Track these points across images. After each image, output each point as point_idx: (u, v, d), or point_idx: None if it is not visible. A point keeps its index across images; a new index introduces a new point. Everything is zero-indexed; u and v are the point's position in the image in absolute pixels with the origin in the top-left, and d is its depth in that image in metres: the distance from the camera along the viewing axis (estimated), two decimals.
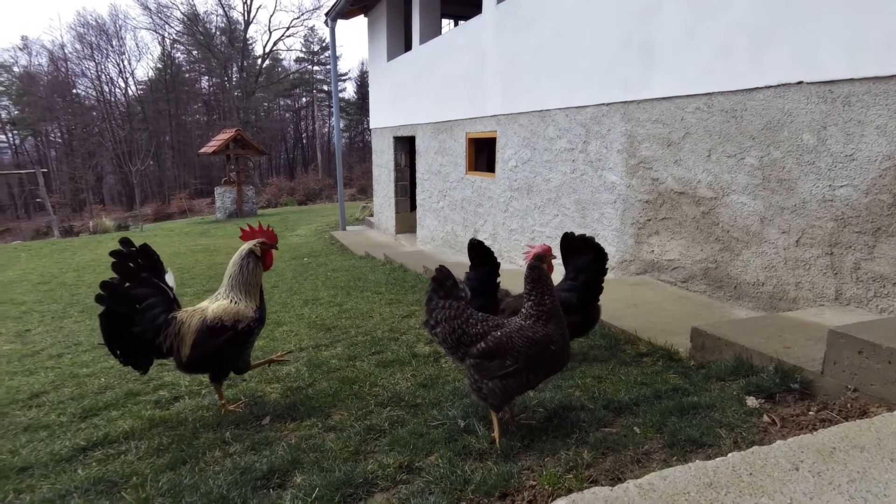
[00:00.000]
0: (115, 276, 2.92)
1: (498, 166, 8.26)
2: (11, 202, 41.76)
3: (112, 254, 2.92)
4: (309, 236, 14.52)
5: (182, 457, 2.64)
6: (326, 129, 54.28)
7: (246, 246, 3.16)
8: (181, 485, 2.37)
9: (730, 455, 1.53)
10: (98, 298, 2.86)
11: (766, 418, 2.47)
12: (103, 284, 2.87)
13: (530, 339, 2.33)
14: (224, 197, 20.61)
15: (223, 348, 2.98)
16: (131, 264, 2.94)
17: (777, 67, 4.21)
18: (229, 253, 11.71)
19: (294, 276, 8.41)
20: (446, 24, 13.67)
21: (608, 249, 6.02)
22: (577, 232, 3.60)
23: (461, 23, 10.09)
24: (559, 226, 6.84)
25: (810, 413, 2.50)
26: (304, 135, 56.46)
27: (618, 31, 5.74)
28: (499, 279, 4.18)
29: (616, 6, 5.75)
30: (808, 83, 4.00)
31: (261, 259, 3.16)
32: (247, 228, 3.25)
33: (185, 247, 13.61)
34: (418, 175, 11.36)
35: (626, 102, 5.70)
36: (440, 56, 9.97)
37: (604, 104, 6.01)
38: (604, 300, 4.64)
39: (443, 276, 2.61)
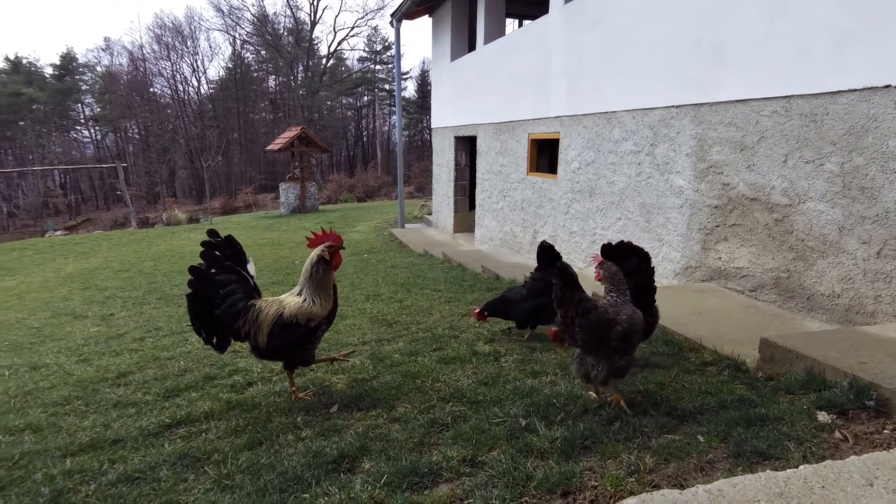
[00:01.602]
0: (202, 262, 3.15)
1: (560, 168, 8.22)
2: (93, 194, 44.60)
3: (202, 243, 3.15)
4: (368, 233, 14.85)
5: (258, 438, 2.82)
6: (386, 128, 55.21)
7: (315, 252, 3.32)
8: (259, 464, 2.53)
9: (801, 467, 1.53)
10: (188, 282, 3.09)
11: (837, 434, 2.40)
12: (192, 269, 3.11)
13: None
14: (288, 193, 21.32)
15: (296, 342, 3.18)
16: (217, 252, 3.16)
17: (862, 69, 4.03)
18: (292, 247, 12.20)
19: (355, 272, 8.65)
20: (511, 24, 13.64)
21: (672, 255, 5.94)
22: (641, 237, 3.57)
23: (526, 23, 10.07)
24: (622, 229, 6.75)
25: (885, 431, 2.41)
26: (364, 133, 57.62)
27: (689, 30, 5.62)
28: None
29: (687, 4, 5.63)
30: None
31: (329, 262, 3.32)
32: (311, 236, 3.39)
33: (251, 240, 14.20)
34: (478, 175, 11.43)
35: (696, 105, 5.57)
36: (504, 56, 10.00)
37: (673, 106, 5.90)
38: (667, 307, 4.58)
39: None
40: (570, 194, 7.96)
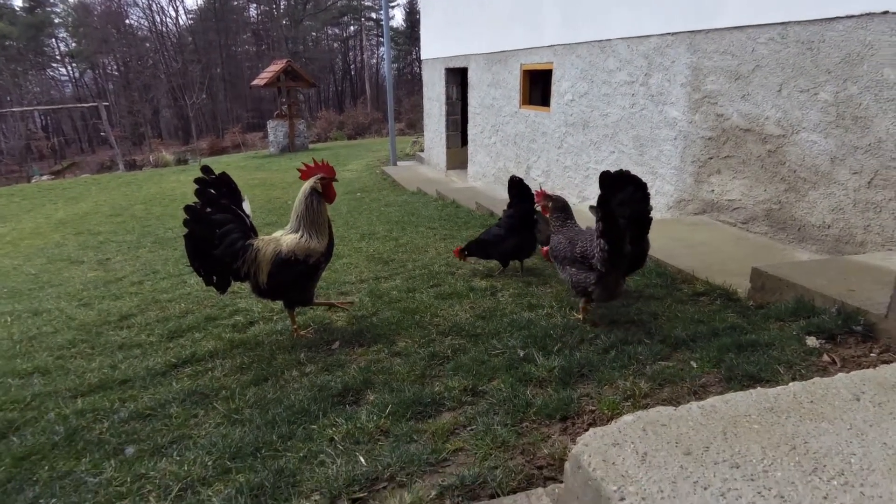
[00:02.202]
0: (196, 201, 3.07)
1: (553, 100, 8.07)
2: (76, 136, 43.52)
3: (195, 180, 3.06)
4: (361, 171, 14.69)
5: (263, 374, 2.90)
6: (374, 61, 53.44)
7: (307, 184, 3.28)
8: (266, 398, 2.62)
9: (791, 384, 1.60)
10: (183, 221, 3.04)
11: (826, 358, 2.50)
12: (187, 208, 3.04)
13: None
14: (277, 131, 20.88)
15: (296, 280, 3.19)
16: (212, 191, 3.09)
17: None
18: (285, 188, 12.08)
19: (349, 211, 8.63)
20: None
21: (666, 188, 5.95)
22: (635, 170, 3.56)
23: None
24: (615, 163, 6.71)
25: (872, 355, 2.52)
26: (352, 66, 55.82)
27: None
28: (536, 216, 4.24)
29: None
30: (894, 13, 3.71)
31: (323, 194, 3.29)
32: (303, 168, 3.36)
33: (242, 181, 13.91)
34: (470, 109, 11.21)
35: (693, 32, 5.42)
36: None
37: (669, 34, 5.74)
38: (660, 239, 4.64)
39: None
40: (564, 127, 7.86)
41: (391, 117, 15.55)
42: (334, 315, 3.80)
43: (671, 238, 4.75)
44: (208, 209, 3.10)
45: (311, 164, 3.36)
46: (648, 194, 3.43)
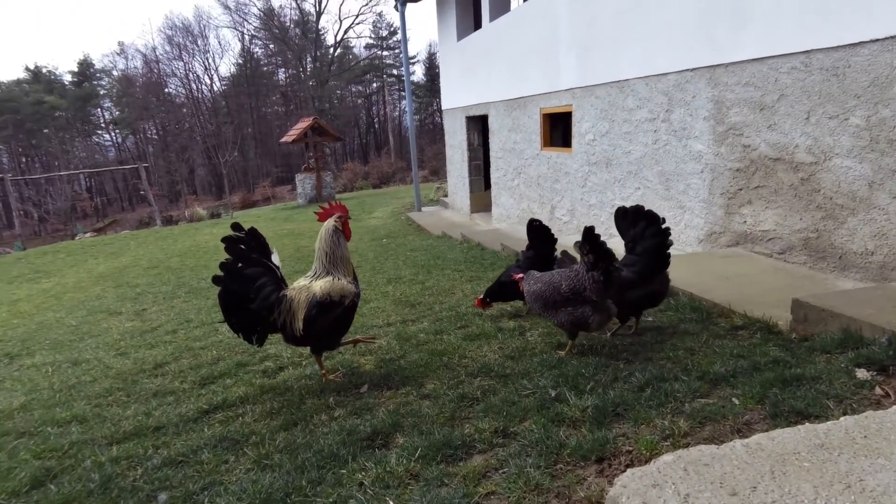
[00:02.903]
0: (229, 257, 3.11)
1: (574, 140, 8.12)
2: (117, 195, 45.42)
3: (225, 238, 3.12)
4: (386, 218, 14.89)
5: (293, 419, 2.87)
6: (397, 113, 54.97)
7: (329, 224, 3.33)
8: (295, 443, 2.59)
9: (842, 419, 1.51)
10: (216, 279, 3.07)
11: (878, 390, 2.36)
12: (221, 266, 3.07)
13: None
14: (304, 183, 21.44)
15: (333, 323, 3.20)
16: (242, 246, 3.13)
17: (884, 18, 3.89)
18: (312, 236, 12.25)
19: (375, 256, 8.70)
20: (515, 2, 13.42)
21: (695, 222, 5.86)
22: (661, 205, 3.53)
23: None
24: (641, 199, 6.66)
25: None
26: (375, 119, 57.49)
27: None
28: (556, 254, 4.30)
29: None
30: None
31: (342, 232, 3.34)
32: (320, 210, 3.43)
33: (271, 231, 14.34)
34: (492, 153, 11.35)
35: (712, 66, 5.44)
36: (511, 31, 9.85)
37: (688, 70, 5.77)
38: (693, 273, 4.55)
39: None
40: (587, 167, 7.87)
41: (415, 165, 15.84)
42: (362, 359, 3.78)
43: (704, 271, 4.64)
44: (240, 264, 3.12)
45: (327, 207, 3.42)
46: (664, 229, 3.40)
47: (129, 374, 4.09)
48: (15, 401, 3.81)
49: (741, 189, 5.30)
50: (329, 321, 3.17)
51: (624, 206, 3.60)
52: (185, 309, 6.51)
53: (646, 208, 3.51)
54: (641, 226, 3.47)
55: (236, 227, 3.19)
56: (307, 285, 3.25)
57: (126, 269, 10.84)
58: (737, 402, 2.42)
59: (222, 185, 34.32)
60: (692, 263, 5.00)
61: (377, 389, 3.19)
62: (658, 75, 6.22)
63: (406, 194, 19.96)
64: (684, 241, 6.05)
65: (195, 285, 8.07)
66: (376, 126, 57.24)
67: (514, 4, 11.16)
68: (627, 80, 6.75)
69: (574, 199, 8.35)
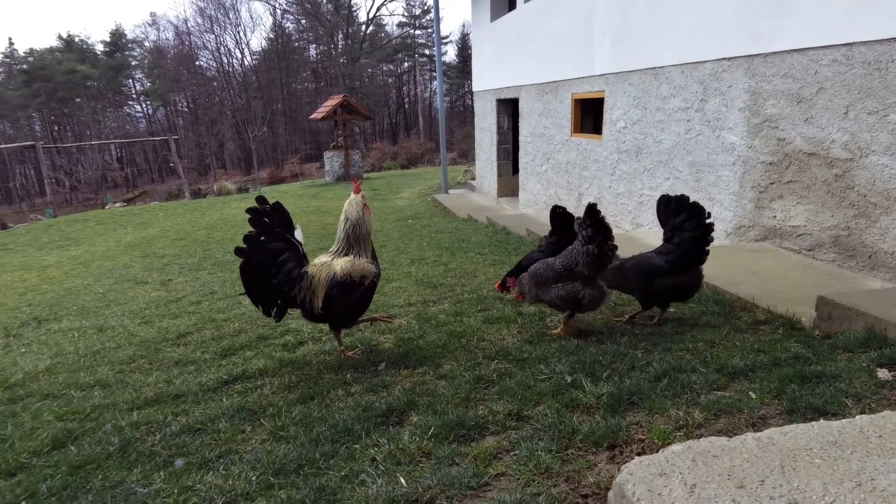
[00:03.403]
0: (252, 230, 3.13)
1: (605, 127, 8.00)
2: (147, 167, 46.22)
3: (249, 210, 3.16)
4: (412, 199, 14.91)
5: (310, 393, 2.93)
6: (428, 94, 54.68)
7: (357, 198, 3.33)
8: (311, 416, 2.64)
9: (858, 417, 1.48)
10: (238, 250, 3.11)
11: None
12: (245, 238, 3.09)
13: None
14: (332, 161, 21.54)
15: (354, 302, 3.23)
16: (266, 219, 3.15)
17: None
18: (338, 214, 12.32)
19: (400, 237, 8.74)
20: None
21: (724, 214, 5.74)
22: (692, 196, 3.46)
23: None
24: (670, 189, 6.54)
25: None
26: (406, 99, 57.29)
27: None
28: None
29: None
30: None
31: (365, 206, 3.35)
32: (357, 182, 3.47)
33: (298, 208, 14.48)
34: (521, 138, 11.25)
35: (750, 56, 5.29)
36: (546, 14, 9.69)
37: (725, 59, 5.61)
38: (719, 266, 4.47)
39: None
40: (616, 154, 7.75)
41: (443, 147, 15.77)
42: (381, 337, 3.82)
43: (730, 265, 4.57)
44: (262, 237, 3.13)
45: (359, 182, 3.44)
46: (707, 224, 3.34)
47: (153, 343, 4.21)
48: (41, 363, 3.95)
49: (773, 183, 5.18)
50: (349, 301, 3.19)
51: (668, 195, 3.53)
52: (209, 281, 6.64)
53: (691, 199, 3.44)
54: (683, 216, 3.41)
55: (261, 200, 3.22)
56: (328, 262, 3.26)
57: (154, 240, 11.07)
58: (753, 396, 2.39)
59: (251, 160, 34.73)
60: (718, 256, 4.90)
61: (394, 368, 3.22)
62: (694, 63, 6.07)
63: (434, 176, 19.93)
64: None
65: (220, 258, 8.22)
66: (406, 106, 57.06)
67: None
68: (662, 67, 6.60)
69: (602, 187, 8.25)
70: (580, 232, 3.26)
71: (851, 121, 4.37)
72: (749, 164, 5.41)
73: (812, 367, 2.57)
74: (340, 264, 3.23)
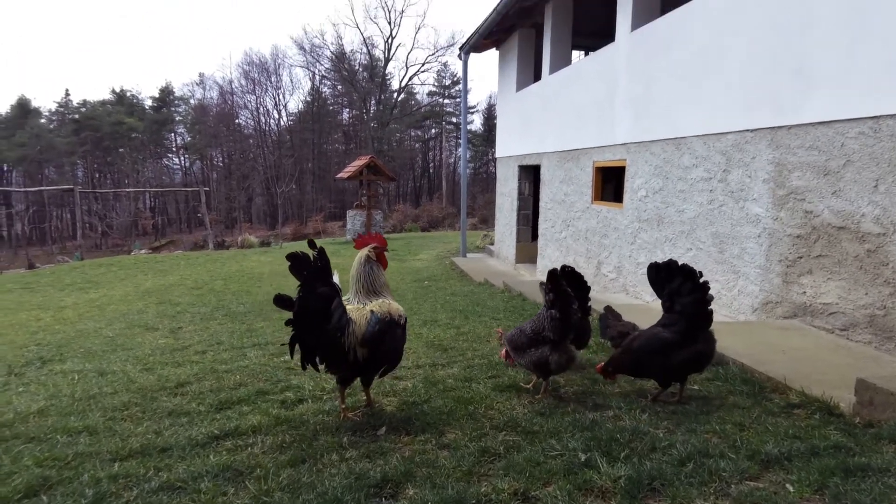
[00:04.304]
0: (305, 271, 2.91)
1: (626, 196, 7.93)
2: (178, 217, 47.48)
3: (292, 256, 2.92)
4: (430, 261, 14.86)
5: (302, 456, 2.73)
6: (452, 160, 55.95)
7: (362, 253, 3.30)
8: (300, 482, 2.43)
9: None
10: (279, 299, 2.89)
11: None
12: (304, 283, 2.87)
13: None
14: (354, 220, 21.81)
15: (398, 342, 3.16)
16: (319, 264, 2.96)
17: None
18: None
19: (414, 298, 8.60)
20: (576, 55, 13.56)
21: (750, 289, 5.52)
22: (715, 269, 3.30)
23: (591, 54, 9.96)
24: (692, 260, 6.36)
25: None
26: (430, 164, 58.63)
27: (767, 51, 5.31)
28: (589, 304, 4.06)
29: (765, 25, 5.34)
30: None
31: (376, 262, 3.30)
32: (357, 237, 3.43)
33: None
34: (542, 204, 11.24)
35: (774, 128, 5.22)
36: (569, 84, 9.88)
37: (748, 130, 5.56)
38: (745, 344, 4.24)
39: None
40: (637, 223, 7.63)
41: (464, 211, 15.87)
42: (385, 399, 3.62)
43: (758, 342, 4.32)
44: (317, 283, 2.94)
45: (364, 236, 3.38)
46: (702, 284, 3.18)
47: (150, 391, 4.05)
48: (34, 405, 3.81)
49: (801, 257, 4.98)
50: (394, 340, 3.13)
51: (656, 262, 3.42)
52: (218, 331, 6.53)
53: (679, 262, 3.31)
54: (678, 281, 3.26)
55: (311, 243, 3.08)
56: (356, 307, 3.16)
57: (171, 288, 11.10)
58: (791, 489, 2.14)
59: (277, 215, 35.41)
60: (745, 333, 4.67)
61: (395, 433, 3.01)
62: (716, 134, 6.03)
63: (453, 239, 19.99)
64: (737, 308, 5.70)
65: (233, 309, 8.15)
66: (431, 171, 58.33)
67: (574, 58, 11.25)
68: (684, 137, 6.57)
69: (622, 256, 8.09)
70: (544, 297, 3.44)
71: (882, 194, 4.21)
72: (775, 236, 5.24)
73: (856, 459, 2.31)
74: (372, 306, 3.15)
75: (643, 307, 6.26)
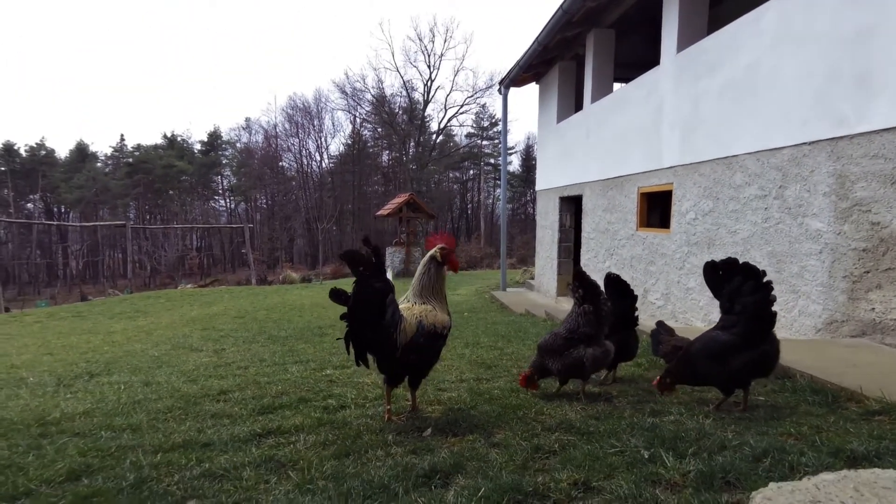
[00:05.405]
0: (363, 268, 2.89)
1: (674, 220, 7.72)
2: (223, 257, 48.89)
3: (347, 253, 2.93)
4: (470, 295, 14.72)
5: (346, 450, 2.63)
6: (490, 201, 56.28)
7: (428, 253, 3.24)
8: (344, 472, 2.33)
9: None
10: (336, 292, 2.87)
11: None
12: (361, 276, 2.85)
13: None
14: (393, 257, 21.96)
15: (437, 352, 3.14)
16: (374, 259, 2.94)
17: None
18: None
19: (455, 326, 8.46)
20: (617, 87, 13.59)
21: (812, 308, 5.22)
22: (775, 289, 3.08)
23: (634, 80, 9.92)
24: None
25: None
26: (468, 205, 59.10)
27: (824, 61, 5.16)
28: (637, 313, 4.06)
29: (821, 35, 5.21)
30: None
31: (443, 264, 3.20)
32: (430, 237, 3.35)
33: None
34: (584, 234, 11.07)
35: (833, 139, 5.02)
36: (612, 112, 9.84)
37: (805, 143, 5.36)
38: (813, 359, 3.96)
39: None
40: (686, 247, 7.39)
41: (503, 246, 15.78)
42: (429, 407, 3.49)
43: (826, 357, 4.04)
44: (372, 278, 2.91)
45: (435, 235, 3.32)
46: (766, 282, 2.99)
47: (193, 397, 4.04)
48: (80, 407, 3.84)
49: (868, 272, 4.68)
50: (434, 350, 3.12)
51: (713, 260, 3.23)
52: (260, 351, 6.54)
53: (741, 261, 3.13)
54: (738, 280, 3.07)
55: (366, 241, 3.04)
56: (407, 307, 3.12)
57: (215, 316, 11.27)
58: None
59: (317, 254, 36.04)
60: (810, 349, 4.38)
61: (441, 434, 2.88)
62: (770, 150, 5.84)
63: (492, 277, 19.84)
64: (798, 329, 5.38)
65: (275, 334, 8.18)
66: (469, 212, 58.75)
67: (615, 87, 11.24)
68: (736, 155, 6.39)
69: (670, 282, 7.82)
70: (574, 296, 3.48)
71: None
72: (838, 251, 4.96)
73: None
74: (418, 312, 3.08)
75: (695, 330, 5.98)
